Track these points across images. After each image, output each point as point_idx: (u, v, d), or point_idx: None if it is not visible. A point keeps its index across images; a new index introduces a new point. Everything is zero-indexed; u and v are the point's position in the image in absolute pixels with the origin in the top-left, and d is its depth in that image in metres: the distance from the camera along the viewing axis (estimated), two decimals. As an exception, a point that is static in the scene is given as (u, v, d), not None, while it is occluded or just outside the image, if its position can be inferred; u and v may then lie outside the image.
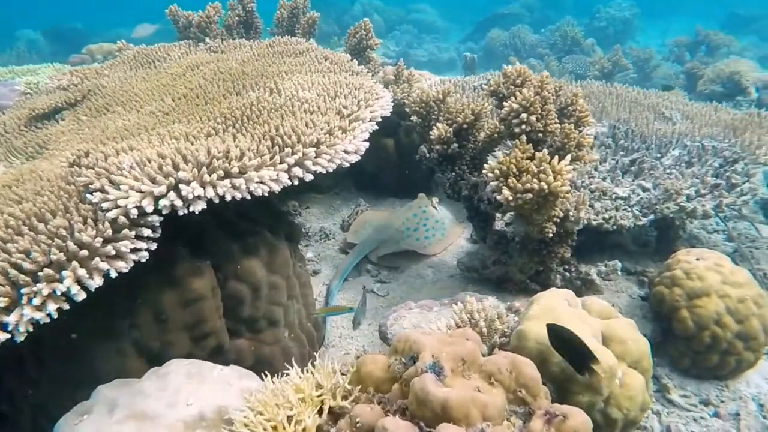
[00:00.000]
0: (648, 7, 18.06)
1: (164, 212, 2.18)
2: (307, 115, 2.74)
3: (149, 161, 2.26)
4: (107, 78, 4.24)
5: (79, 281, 1.99)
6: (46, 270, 1.95)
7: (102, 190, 2.19)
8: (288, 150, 2.41)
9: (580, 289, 3.58)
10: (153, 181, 2.18)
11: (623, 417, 2.18)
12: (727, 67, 8.07)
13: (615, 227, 3.61)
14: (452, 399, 1.60)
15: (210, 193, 2.19)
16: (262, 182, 2.31)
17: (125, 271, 2.12)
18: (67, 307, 1.98)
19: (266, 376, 2.13)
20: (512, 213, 3.61)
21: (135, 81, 3.93)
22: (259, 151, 2.38)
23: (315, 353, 3.27)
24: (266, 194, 2.32)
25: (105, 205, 2.14)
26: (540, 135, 2.98)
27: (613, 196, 3.77)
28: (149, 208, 2.14)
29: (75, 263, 1.98)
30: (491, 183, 2.85)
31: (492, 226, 3.83)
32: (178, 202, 2.15)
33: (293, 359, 2.38)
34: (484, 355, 1.93)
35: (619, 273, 3.75)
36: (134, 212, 2.12)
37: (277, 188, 2.34)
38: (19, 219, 2.16)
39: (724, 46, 10.99)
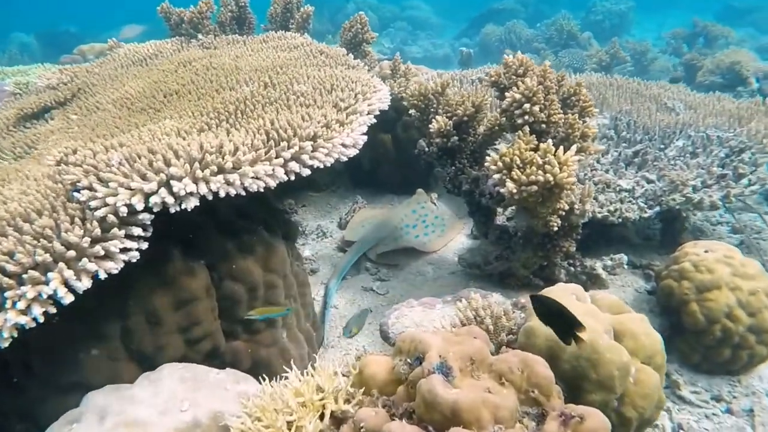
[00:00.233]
0: (643, 0, 18.03)
1: (155, 210, 2.10)
2: (303, 108, 2.65)
3: (139, 157, 2.16)
4: (97, 76, 4.15)
5: (66, 283, 1.90)
6: (31, 272, 1.86)
7: (90, 188, 2.10)
8: (284, 144, 2.31)
9: (586, 284, 3.50)
10: (143, 177, 2.08)
11: (638, 416, 2.10)
12: (726, 57, 7.98)
13: (620, 220, 3.53)
14: (463, 401, 1.51)
15: (203, 189, 2.10)
16: (257, 178, 2.22)
17: (115, 272, 2.03)
18: (54, 310, 1.90)
19: (264, 379, 2.05)
20: (514, 207, 3.55)
21: (126, 78, 3.85)
22: (253, 145, 2.28)
23: (314, 354, 3.20)
24: (261, 190, 2.23)
25: (93, 204, 2.04)
26: (543, 126, 2.89)
27: (617, 189, 3.69)
28: (139, 206, 2.05)
29: (62, 264, 1.90)
30: (494, 176, 2.76)
31: (494, 221, 3.74)
32: (170, 199, 2.06)
33: (292, 361, 2.29)
34: (492, 354, 1.84)
35: (626, 267, 3.67)
36: (124, 210, 2.03)
37: (273, 183, 2.25)
38: (3, 220, 2.06)
39: (722, 37, 10.88)
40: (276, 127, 2.39)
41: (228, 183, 2.14)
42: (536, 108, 2.82)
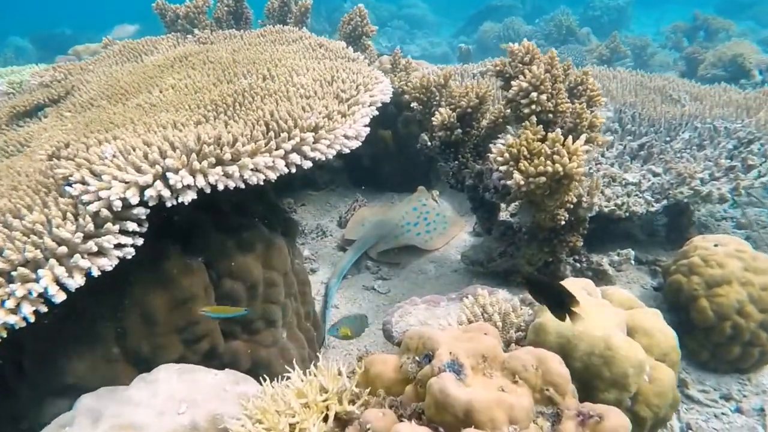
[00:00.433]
0: (642, -5, 18.01)
1: (151, 204, 2.02)
2: (303, 100, 2.57)
3: (134, 149, 2.08)
4: (92, 73, 4.07)
5: (57, 281, 1.83)
6: (21, 269, 1.79)
7: (82, 182, 2.02)
8: (284, 135, 2.24)
9: (592, 281, 3.42)
10: (138, 170, 2.00)
11: (653, 416, 2.02)
12: (729, 49, 7.90)
13: (627, 214, 3.45)
14: (477, 401, 1.43)
15: (200, 182, 2.02)
16: (257, 170, 2.14)
17: (109, 269, 1.96)
18: (45, 309, 1.83)
19: (264, 380, 1.97)
20: (517, 203, 3.47)
21: (121, 75, 3.77)
22: (253, 136, 2.20)
23: (315, 354, 3.12)
24: (261, 183, 2.15)
25: (85, 198, 1.97)
26: (550, 116, 2.81)
27: (624, 182, 3.62)
28: (134, 200, 1.98)
29: (53, 261, 1.83)
30: (500, 168, 2.68)
31: (497, 217, 3.67)
32: (166, 192, 1.98)
33: (293, 361, 2.21)
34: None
35: (633, 262, 3.59)
36: (118, 204, 1.95)
37: (273, 176, 2.17)
38: (-8, 216, 1.98)
39: (723, 30, 10.78)
40: (276, 118, 2.31)
41: (227, 175, 2.06)
42: (543, 97, 2.74)
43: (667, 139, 4.00)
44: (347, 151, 2.45)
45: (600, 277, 3.48)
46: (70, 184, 2.06)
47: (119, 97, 3.29)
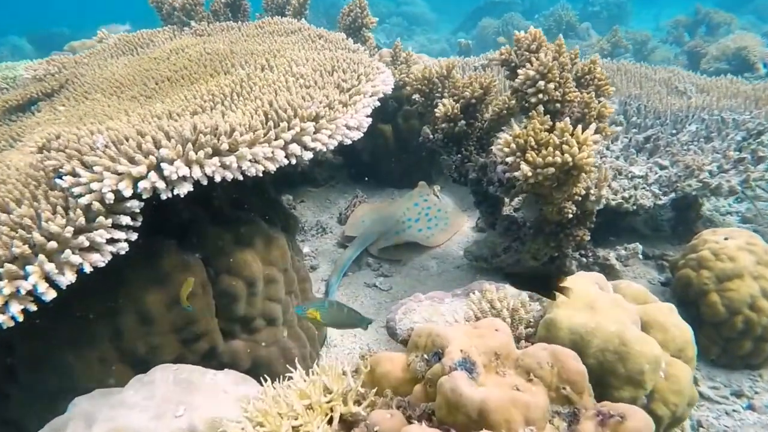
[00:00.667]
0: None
1: (145, 196, 1.93)
2: (303, 89, 2.49)
3: (127, 139, 1.99)
4: (86, 66, 3.99)
5: (47, 278, 1.74)
6: (8, 266, 1.70)
7: (73, 174, 1.93)
8: (284, 125, 2.15)
9: (600, 275, 3.35)
10: (131, 160, 1.91)
11: (670, 414, 1.95)
12: (733, 42, 7.80)
13: (635, 207, 3.38)
14: (491, 401, 1.35)
15: (197, 173, 1.93)
16: (255, 161, 2.05)
17: (102, 265, 1.87)
18: (34, 308, 1.74)
19: (265, 380, 1.89)
20: (521, 197, 3.39)
21: (116, 68, 3.70)
22: (251, 126, 2.11)
23: (317, 353, 3.05)
24: (260, 174, 2.06)
25: (76, 190, 1.87)
26: (557, 105, 2.72)
27: (630, 175, 3.54)
28: (127, 192, 1.88)
29: (42, 257, 1.73)
30: (507, 159, 2.60)
31: (501, 211, 3.59)
32: (161, 184, 1.89)
33: (295, 361, 2.13)
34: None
35: (640, 257, 3.52)
36: (110, 197, 1.86)
37: (272, 167, 2.08)
38: (-22, 211, 1.90)
39: (724, 25, 10.68)
40: (275, 107, 2.23)
41: (224, 166, 1.98)
42: (551, 86, 2.65)
43: (674, 131, 3.92)
44: (349, 142, 2.36)
45: (607, 272, 3.39)
46: (60, 177, 1.97)
47: (114, 90, 3.22)
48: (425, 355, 1.64)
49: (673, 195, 3.48)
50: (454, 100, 3.30)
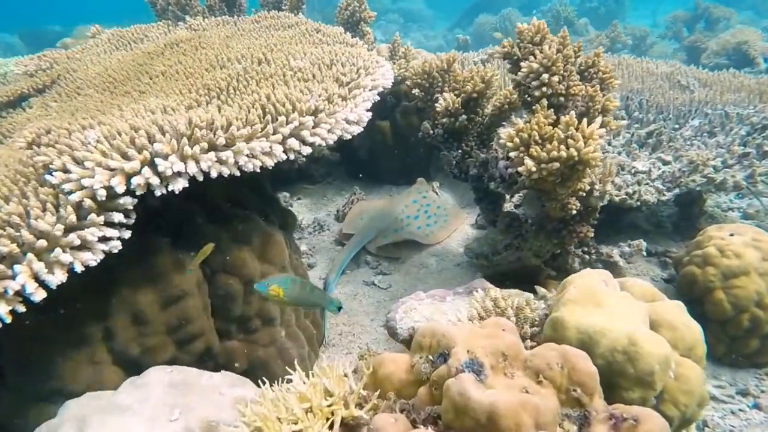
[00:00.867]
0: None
1: (138, 193, 1.86)
2: (301, 83, 2.43)
3: (119, 134, 1.93)
4: (79, 62, 3.92)
5: (36, 277, 1.67)
6: (-5, 265, 1.62)
7: (64, 170, 1.87)
8: (282, 119, 2.08)
9: (604, 273, 3.30)
10: (124, 156, 1.85)
11: (680, 415, 1.89)
12: (733, 37, 7.75)
13: (639, 203, 3.33)
14: (501, 404, 1.29)
15: (192, 168, 1.86)
16: (252, 156, 1.99)
17: (94, 264, 1.82)
18: (23, 309, 1.68)
19: (263, 382, 1.84)
20: (522, 194, 3.33)
21: (109, 63, 3.62)
22: (248, 120, 2.05)
23: (316, 354, 2.99)
24: (258, 170, 2.00)
25: (67, 187, 1.81)
26: (561, 99, 2.66)
27: (633, 171, 3.49)
28: (120, 188, 1.82)
29: (30, 256, 1.67)
30: (510, 153, 2.54)
31: (502, 208, 3.53)
32: (155, 180, 1.83)
33: (296, 362, 2.08)
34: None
35: (644, 254, 3.47)
36: (102, 193, 1.80)
37: (270, 163, 2.02)
38: (-35, 208, 1.83)
39: (724, 20, 10.63)
40: (273, 101, 2.16)
41: (220, 162, 1.91)
42: (555, 78, 2.59)
43: (677, 126, 3.88)
44: (349, 136, 2.30)
45: (610, 269, 3.32)
46: (50, 173, 1.91)
47: (107, 86, 3.14)
48: (430, 356, 1.58)
49: (677, 190, 3.43)
50: (455, 95, 3.24)
